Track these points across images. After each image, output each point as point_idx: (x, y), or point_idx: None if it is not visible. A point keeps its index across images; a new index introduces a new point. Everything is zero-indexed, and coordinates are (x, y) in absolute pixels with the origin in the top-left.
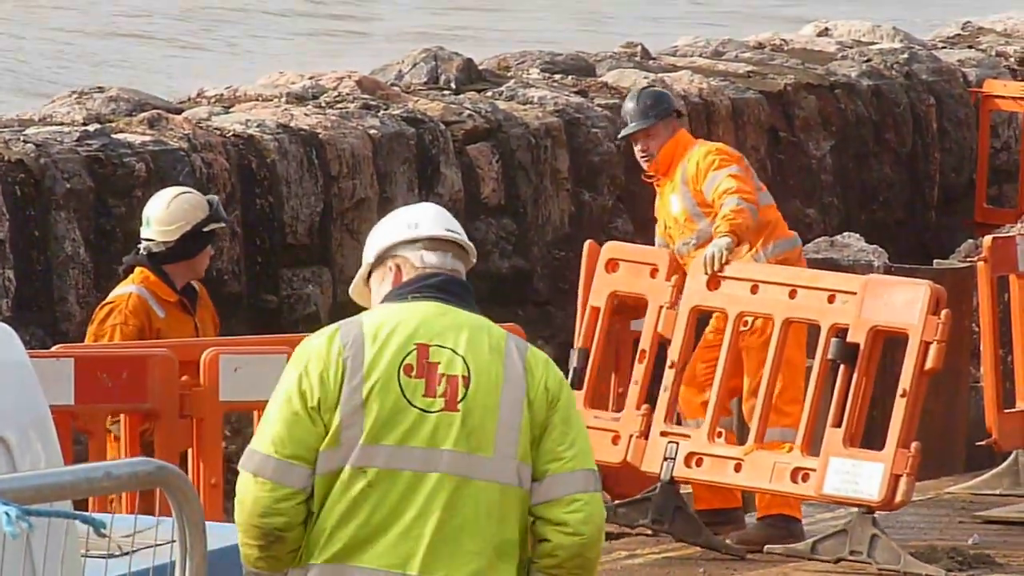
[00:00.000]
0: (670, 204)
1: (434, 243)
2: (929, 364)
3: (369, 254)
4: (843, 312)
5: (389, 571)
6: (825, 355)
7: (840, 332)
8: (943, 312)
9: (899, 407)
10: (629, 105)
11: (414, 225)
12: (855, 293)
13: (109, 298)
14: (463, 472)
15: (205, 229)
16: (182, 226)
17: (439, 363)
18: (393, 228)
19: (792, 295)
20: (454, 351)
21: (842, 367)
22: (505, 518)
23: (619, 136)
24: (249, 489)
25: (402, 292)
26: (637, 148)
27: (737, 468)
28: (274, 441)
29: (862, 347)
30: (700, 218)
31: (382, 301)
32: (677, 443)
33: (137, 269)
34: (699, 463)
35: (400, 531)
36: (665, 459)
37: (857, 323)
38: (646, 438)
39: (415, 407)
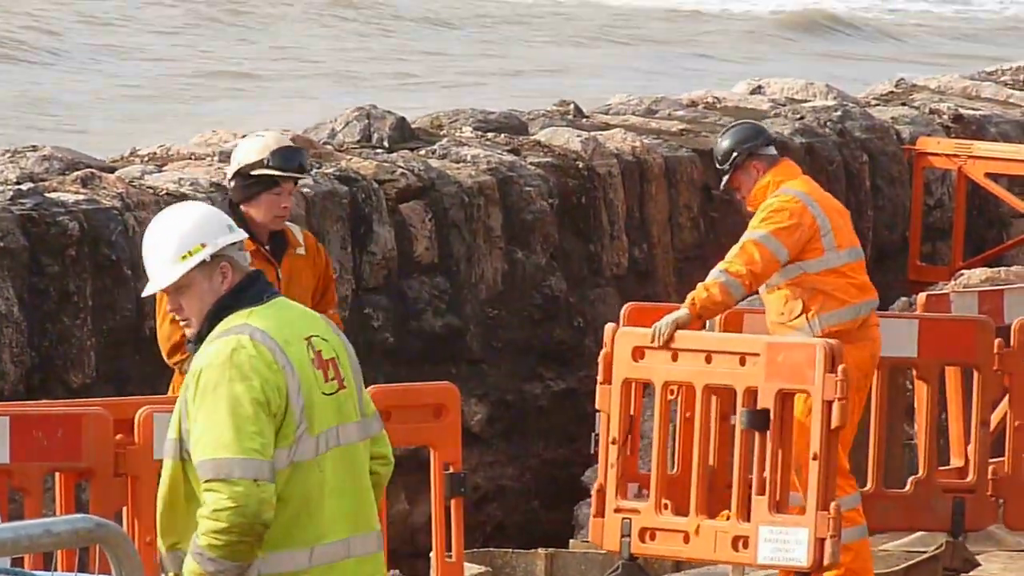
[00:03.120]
0: None
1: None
2: (834, 423)
3: (206, 252)
4: (753, 376)
5: (354, 535)
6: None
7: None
8: (840, 368)
9: (813, 470)
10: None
11: (233, 227)
12: (759, 355)
13: None
14: (359, 437)
15: (253, 172)
16: (234, 167)
17: (322, 351)
18: (218, 227)
19: (708, 360)
20: (323, 338)
21: (757, 434)
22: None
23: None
24: (252, 494)
25: (255, 294)
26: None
27: (686, 540)
28: (263, 447)
29: (772, 411)
30: None
31: (233, 303)
32: (630, 519)
33: None
34: (652, 537)
35: (350, 501)
36: (622, 536)
37: (764, 387)
38: (602, 516)
39: (326, 394)
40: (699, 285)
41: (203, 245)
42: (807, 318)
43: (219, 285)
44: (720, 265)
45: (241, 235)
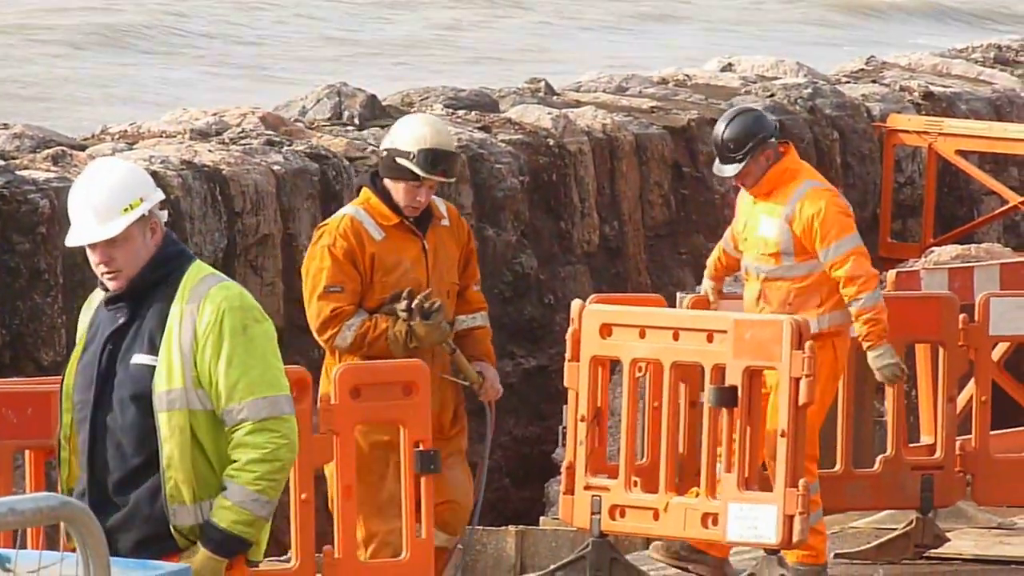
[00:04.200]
0: (760, 222)
1: None
2: (802, 400)
3: (145, 206)
4: (720, 353)
5: None
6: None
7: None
8: (807, 345)
9: (781, 447)
10: (716, 142)
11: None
12: (727, 332)
13: (327, 220)
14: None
15: (398, 160)
16: (387, 144)
17: None
18: (151, 184)
19: (676, 337)
20: None
21: (725, 412)
22: None
23: (714, 171)
24: (296, 429)
25: (189, 251)
26: (727, 180)
27: (655, 517)
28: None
29: (740, 389)
30: (789, 257)
31: (177, 254)
32: (600, 497)
33: (363, 189)
34: (622, 514)
35: None
36: (592, 514)
37: (732, 364)
38: (572, 494)
39: None
40: (866, 318)
41: (142, 199)
42: (819, 312)
43: (149, 240)
44: (858, 289)
45: (162, 194)
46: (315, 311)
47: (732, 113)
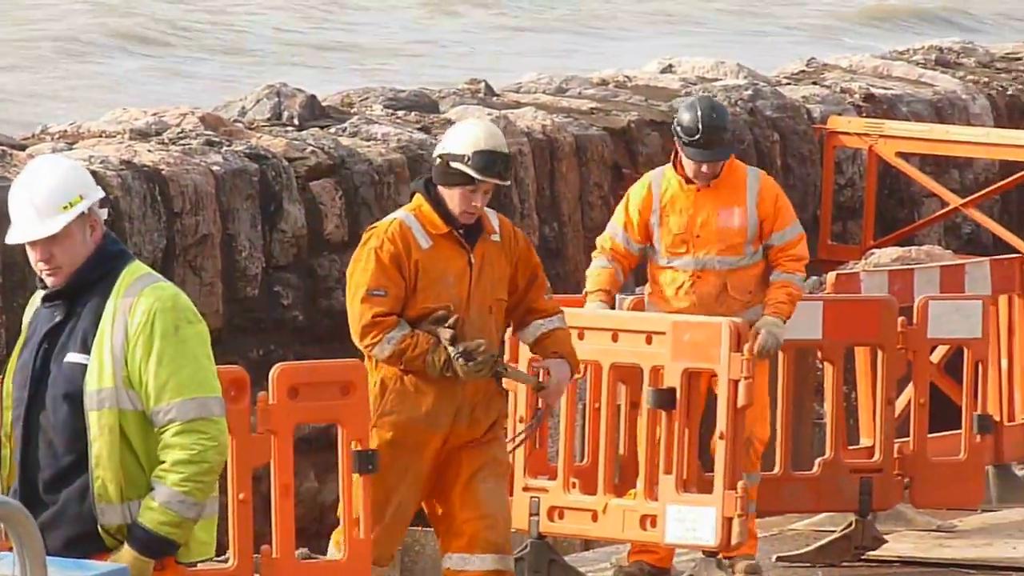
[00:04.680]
0: (719, 215)
1: None
2: (741, 402)
3: (85, 204)
4: (659, 355)
5: None
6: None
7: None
8: (746, 347)
9: (719, 449)
10: (702, 124)
11: (96, 185)
12: (665, 334)
13: (377, 223)
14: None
15: (452, 164)
16: (440, 150)
17: None
18: (91, 182)
19: (615, 339)
20: None
21: (664, 413)
22: None
23: (695, 158)
24: (226, 431)
25: (129, 251)
26: (702, 168)
27: (594, 518)
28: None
29: (679, 390)
30: (750, 246)
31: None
32: (539, 498)
33: (416, 195)
34: (561, 516)
35: None
36: (531, 515)
37: (671, 366)
38: (511, 495)
39: None
40: (794, 291)
41: (81, 197)
42: (765, 297)
43: (89, 238)
44: (800, 269)
45: (102, 193)
46: (356, 314)
47: (707, 100)
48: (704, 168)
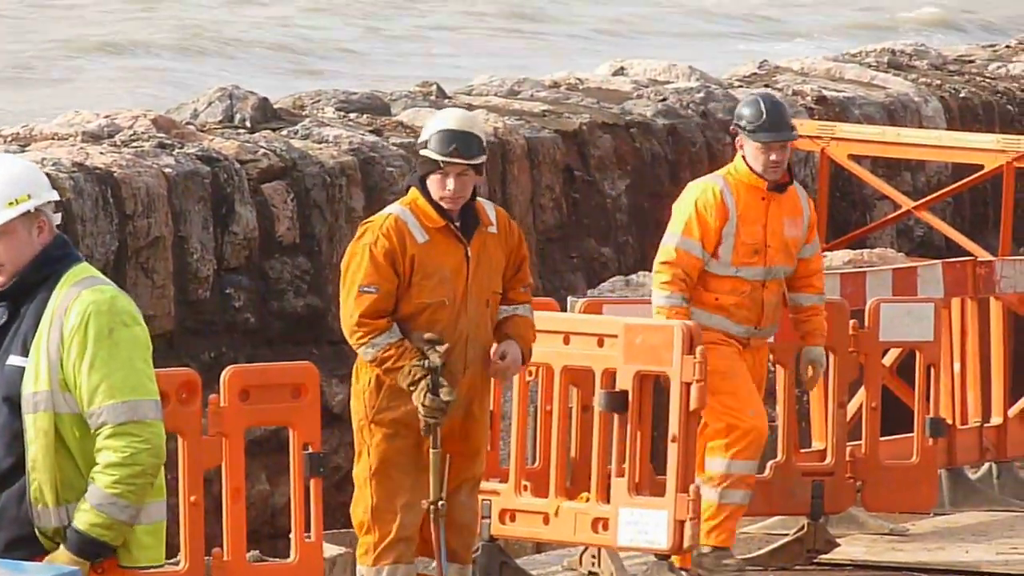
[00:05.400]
0: (784, 225)
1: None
2: (693, 405)
3: (32, 202)
4: (611, 358)
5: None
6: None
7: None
8: (698, 350)
9: (672, 452)
10: (765, 108)
11: (50, 187)
12: (617, 336)
13: (372, 217)
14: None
15: (422, 152)
16: (419, 143)
17: None
18: (42, 181)
19: (566, 341)
20: None
21: (616, 416)
22: None
23: (763, 139)
24: (160, 434)
25: (77, 254)
26: (771, 157)
27: (546, 521)
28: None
29: (631, 393)
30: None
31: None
32: (490, 501)
33: (411, 189)
34: (512, 519)
35: None
36: (482, 518)
37: (623, 368)
38: None
39: None
40: (821, 320)
41: (29, 196)
42: None
43: (35, 238)
44: (820, 287)
45: (55, 196)
46: (348, 311)
47: (764, 92)
48: (773, 156)
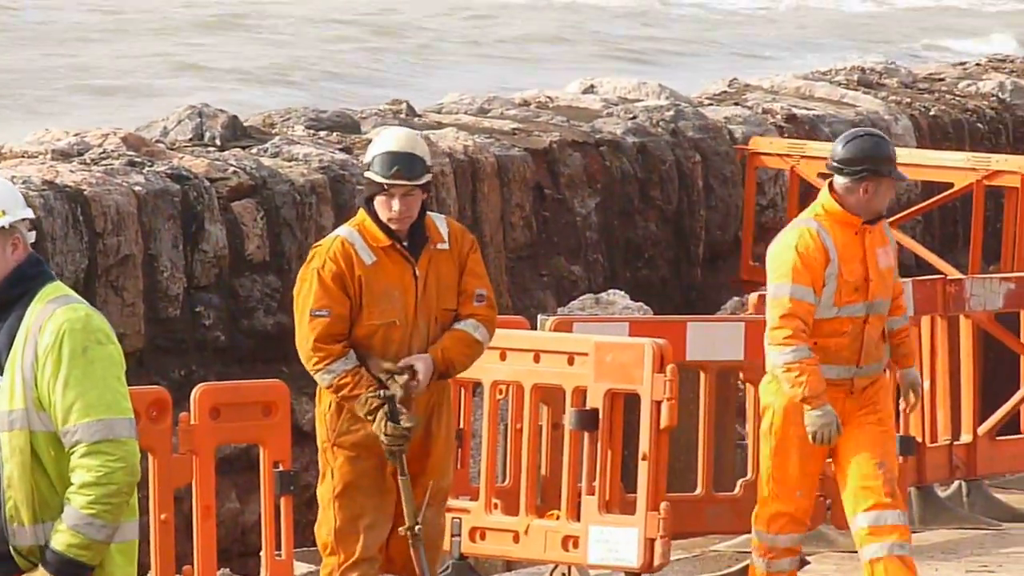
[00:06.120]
0: (878, 257)
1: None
2: (663, 423)
3: (6, 219)
4: (582, 376)
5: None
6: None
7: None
8: (669, 368)
9: (642, 470)
10: (879, 149)
11: (25, 205)
12: (588, 355)
13: (321, 240)
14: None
15: (366, 174)
16: (365, 160)
17: None
18: (16, 199)
19: (536, 359)
20: None
21: (587, 434)
22: None
23: (894, 176)
24: (136, 452)
25: (51, 273)
26: (877, 194)
27: (516, 539)
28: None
29: (601, 412)
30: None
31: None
32: (460, 519)
33: (360, 211)
34: (483, 537)
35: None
36: (452, 536)
37: (593, 387)
38: None
39: None
40: (912, 342)
41: (4, 212)
42: None
43: (10, 256)
44: (905, 310)
45: (30, 213)
46: (302, 336)
47: (877, 135)
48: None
